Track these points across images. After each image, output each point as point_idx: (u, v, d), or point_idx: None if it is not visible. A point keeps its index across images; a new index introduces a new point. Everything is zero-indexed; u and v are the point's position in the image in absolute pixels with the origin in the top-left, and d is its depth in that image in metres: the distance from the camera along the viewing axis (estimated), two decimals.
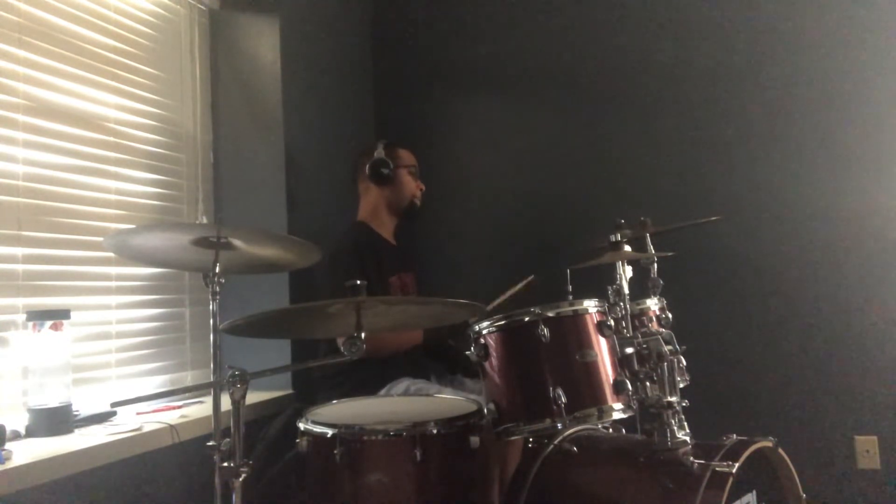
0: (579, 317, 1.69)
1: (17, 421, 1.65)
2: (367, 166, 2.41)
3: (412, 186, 2.48)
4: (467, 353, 1.74)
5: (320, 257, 1.61)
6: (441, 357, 2.38)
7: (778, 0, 2.81)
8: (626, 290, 1.84)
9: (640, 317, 2.04)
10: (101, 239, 1.94)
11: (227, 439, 1.32)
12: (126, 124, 2.12)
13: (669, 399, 1.65)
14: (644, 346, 1.70)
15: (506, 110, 3.15)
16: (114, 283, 2.03)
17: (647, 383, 1.68)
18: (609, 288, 1.85)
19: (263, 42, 2.52)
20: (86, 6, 1.99)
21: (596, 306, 1.71)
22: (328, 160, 2.77)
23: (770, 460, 1.69)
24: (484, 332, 1.72)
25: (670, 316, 2.11)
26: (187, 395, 2.15)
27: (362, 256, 2.24)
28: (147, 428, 1.78)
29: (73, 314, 1.74)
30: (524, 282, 2.24)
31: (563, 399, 1.58)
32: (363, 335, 1.33)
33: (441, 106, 3.22)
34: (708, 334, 2.70)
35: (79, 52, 1.95)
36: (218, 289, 1.48)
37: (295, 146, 2.52)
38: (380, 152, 2.42)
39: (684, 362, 1.77)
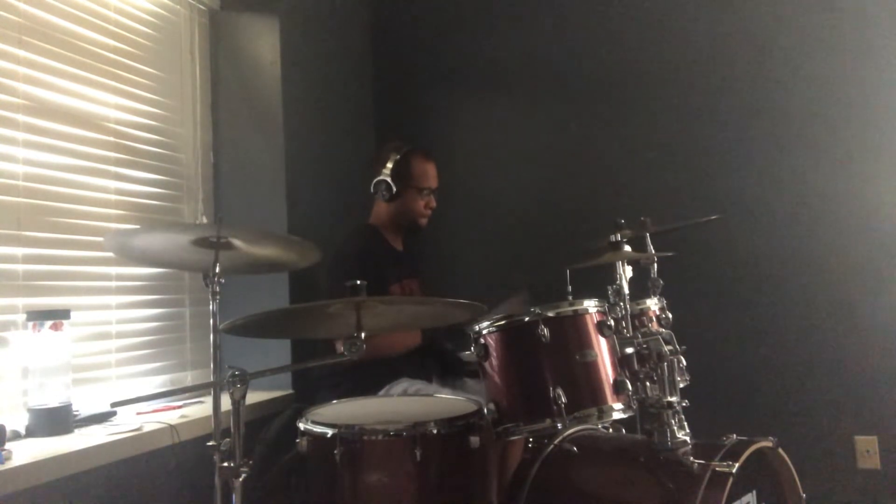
0: (579, 317, 1.69)
1: (17, 421, 1.65)
2: (373, 183, 2.34)
3: (419, 207, 2.37)
4: (466, 353, 1.74)
5: (320, 257, 1.61)
6: (438, 359, 2.37)
7: (777, 1, 2.81)
8: (626, 290, 1.85)
9: (640, 317, 2.04)
10: (101, 239, 1.94)
11: (227, 439, 1.32)
12: (126, 124, 2.12)
13: (669, 399, 1.65)
14: (644, 346, 1.70)
15: (506, 110, 3.15)
16: (114, 283, 2.03)
17: (647, 383, 1.69)
18: (609, 288, 1.85)
19: (263, 42, 2.51)
20: (86, 6, 1.99)
21: (596, 306, 1.71)
22: (328, 160, 2.77)
23: (770, 460, 1.69)
24: (484, 332, 1.72)
25: (670, 316, 2.11)
26: (187, 395, 2.15)
27: (364, 262, 2.22)
28: (147, 428, 1.78)
29: (73, 314, 1.74)
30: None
31: (563, 399, 1.59)
32: (363, 335, 1.33)
33: (441, 106, 3.22)
34: (708, 334, 2.69)
35: (79, 52, 1.95)
36: (218, 289, 1.48)
37: (295, 146, 2.52)
38: (386, 172, 2.31)
39: (684, 362, 1.77)
